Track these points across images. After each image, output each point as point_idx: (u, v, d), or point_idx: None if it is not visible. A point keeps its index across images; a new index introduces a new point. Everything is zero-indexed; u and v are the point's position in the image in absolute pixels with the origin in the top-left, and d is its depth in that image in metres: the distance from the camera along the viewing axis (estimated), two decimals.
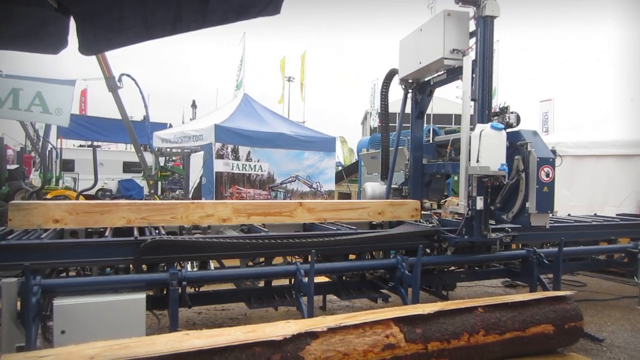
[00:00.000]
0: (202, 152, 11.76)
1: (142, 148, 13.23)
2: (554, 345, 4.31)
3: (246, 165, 11.02)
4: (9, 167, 15.63)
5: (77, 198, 12.39)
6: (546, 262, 5.44)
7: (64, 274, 4.48)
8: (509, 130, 4.89)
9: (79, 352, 2.64)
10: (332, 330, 3.29)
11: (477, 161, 4.73)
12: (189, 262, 4.66)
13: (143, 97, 12.48)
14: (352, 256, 5.28)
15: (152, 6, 2.76)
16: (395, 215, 5.66)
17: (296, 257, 5.00)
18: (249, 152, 11.03)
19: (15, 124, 13.52)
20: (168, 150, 14.08)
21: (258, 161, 11.21)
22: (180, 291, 4.03)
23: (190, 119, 22.93)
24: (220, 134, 10.50)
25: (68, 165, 18.56)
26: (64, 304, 3.51)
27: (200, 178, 11.38)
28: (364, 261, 5.18)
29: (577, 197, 9.56)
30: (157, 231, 4.52)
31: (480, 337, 3.80)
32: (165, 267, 4.19)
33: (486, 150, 4.69)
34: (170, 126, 18.33)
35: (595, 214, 7.60)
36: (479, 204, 4.95)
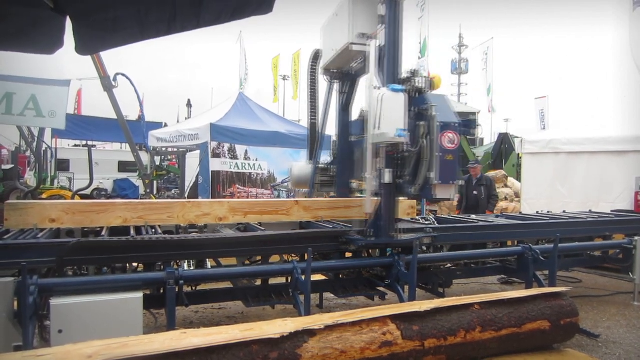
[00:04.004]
0: (198, 151, 11.75)
1: (137, 147, 13.20)
2: (550, 341, 4.34)
3: (245, 164, 11.01)
4: (3, 167, 15.58)
5: (72, 198, 12.35)
6: (542, 258, 5.47)
7: None
8: (419, 96, 4.50)
9: (77, 351, 2.64)
10: (330, 328, 3.30)
11: (378, 128, 4.26)
12: (186, 261, 4.65)
13: (138, 97, 12.43)
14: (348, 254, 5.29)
15: (147, 7, 2.77)
16: None
17: (293, 255, 5.01)
18: (246, 150, 11.02)
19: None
20: (164, 149, 14.06)
21: (257, 160, 11.20)
22: (177, 290, 4.04)
23: (186, 118, 22.87)
24: (216, 133, 10.50)
25: (63, 165, 18.51)
26: (61, 304, 3.50)
27: (197, 177, 11.37)
28: (361, 259, 5.16)
29: (572, 194, 9.62)
30: (153, 230, 4.52)
31: (477, 334, 3.82)
32: (162, 266, 4.19)
33: (386, 115, 4.22)
34: (166, 125, 18.29)
35: (590, 210, 7.64)
36: (387, 177, 4.54)
